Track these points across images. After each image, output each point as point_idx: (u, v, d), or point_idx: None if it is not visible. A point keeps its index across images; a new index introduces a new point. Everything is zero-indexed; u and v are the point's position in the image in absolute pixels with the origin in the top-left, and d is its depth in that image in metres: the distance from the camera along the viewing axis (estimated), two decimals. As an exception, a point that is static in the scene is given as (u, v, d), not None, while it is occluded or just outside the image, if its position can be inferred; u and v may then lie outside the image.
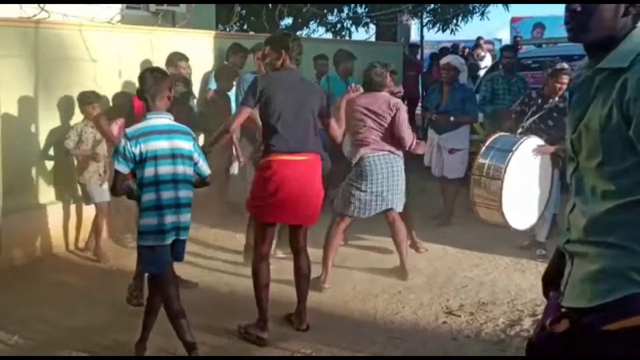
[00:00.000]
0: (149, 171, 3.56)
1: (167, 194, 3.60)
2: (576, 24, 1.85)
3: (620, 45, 1.83)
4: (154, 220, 3.58)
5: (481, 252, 5.94)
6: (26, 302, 4.75)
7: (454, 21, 14.61)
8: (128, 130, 3.65)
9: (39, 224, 5.76)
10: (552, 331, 1.86)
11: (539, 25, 19.06)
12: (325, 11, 13.56)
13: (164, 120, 3.66)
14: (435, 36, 16.28)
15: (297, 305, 4.32)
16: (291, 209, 4.16)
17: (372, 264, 5.60)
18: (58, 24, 6.01)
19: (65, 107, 5.90)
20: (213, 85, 6.95)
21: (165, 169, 3.59)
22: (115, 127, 5.38)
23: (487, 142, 5.38)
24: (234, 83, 6.77)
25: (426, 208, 7.00)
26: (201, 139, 6.10)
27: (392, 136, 5.17)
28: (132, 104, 4.77)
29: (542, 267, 4.06)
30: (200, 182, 3.83)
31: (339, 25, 14.27)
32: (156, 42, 6.72)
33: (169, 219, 3.60)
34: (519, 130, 5.63)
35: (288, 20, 13.33)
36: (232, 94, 6.80)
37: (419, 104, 10.73)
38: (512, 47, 9.13)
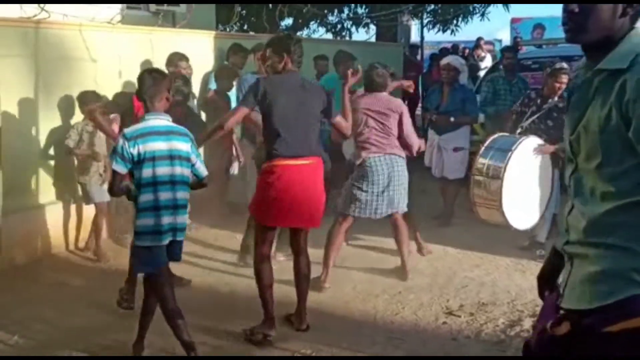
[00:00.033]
0: (147, 172, 3.57)
1: (164, 195, 3.60)
2: (574, 25, 1.85)
3: (618, 46, 1.82)
4: (150, 220, 3.59)
5: (481, 253, 5.94)
6: (26, 302, 4.75)
7: (454, 22, 14.63)
8: (126, 130, 3.66)
9: (39, 223, 5.76)
10: (553, 334, 1.85)
11: (539, 26, 19.07)
12: (325, 11, 13.57)
13: (162, 121, 3.67)
14: (435, 37, 16.31)
15: (297, 305, 4.32)
16: (294, 213, 4.16)
17: (372, 264, 5.60)
18: (58, 24, 6.01)
19: (65, 107, 5.90)
20: (213, 86, 6.95)
21: (163, 170, 3.60)
22: (115, 126, 5.37)
23: (487, 142, 5.39)
24: (234, 83, 6.77)
25: (426, 208, 7.00)
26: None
27: (394, 137, 5.17)
28: (133, 103, 4.77)
29: (542, 267, 4.05)
30: (198, 183, 3.84)
31: (339, 26, 14.28)
32: (156, 42, 6.72)
33: (167, 219, 3.60)
34: (518, 130, 5.63)
35: (288, 21, 13.34)
36: (232, 94, 6.79)
37: (419, 105, 10.74)
38: (513, 48, 9.15)
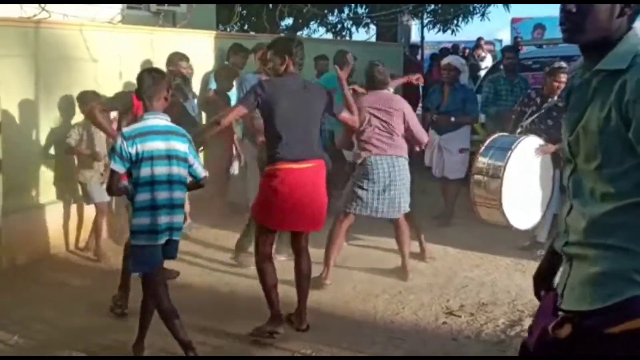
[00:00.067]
0: (145, 171, 3.58)
1: (162, 195, 3.61)
2: (571, 25, 1.84)
3: (617, 46, 1.81)
4: (147, 220, 3.60)
5: (482, 253, 5.93)
6: (26, 302, 4.75)
7: (455, 22, 14.63)
8: (125, 130, 3.67)
9: (40, 223, 5.76)
10: (556, 336, 1.84)
11: (539, 26, 19.05)
12: (325, 11, 13.57)
13: (160, 121, 3.67)
14: (435, 37, 16.31)
15: (297, 305, 4.32)
16: (297, 217, 4.17)
17: (372, 264, 5.60)
18: (59, 24, 6.01)
19: (65, 107, 5.90)
20: (213, 86, 6.95)
21: (161, 170, 3.61)
22: (115, 125, 5.37)
23: (487, 142, 5.39)
24: (234, 83, 6.77)
25: (427, 209, 6.99)
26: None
27: (398, 136, 5.18)
28: (133, 102, 4.76)
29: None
30: (195, 184, 3.85)
31: (339, 26, 14.29)
32: (157, 42, 6.72)
33: (164, 219, 3.61)
34: (519, 130, 5.63)
35: (289, 21, 13.35)
36: (232, 94, 6.80)
37: (419, 105, 10.74)
38: (514, 48, 9.13)
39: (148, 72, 3.80)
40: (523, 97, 6.20)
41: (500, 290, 5.04)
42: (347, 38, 14.08)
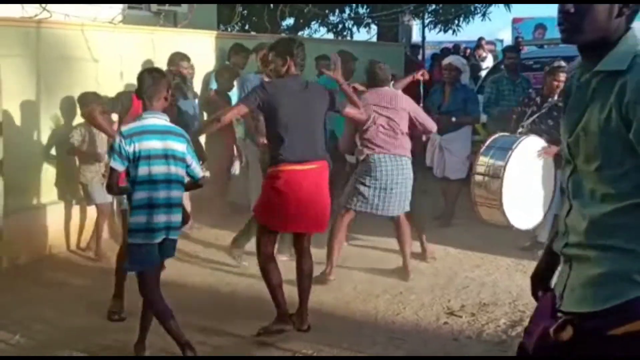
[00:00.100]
0: (142, 170, 3.60)
1: (159, 194, 3.63)
2: (569, 25, 1.83)
3: (616, 47, 1.81)
4: (144, 218, 3.62)
5: (482, 253, 5.93)
6: (27, 302, 4.75)
7: (456, 22, 14.61)
8: (123, 128, 3.70)
9: (41, 224, 5.76)
10: (557, 339, 1.82)
11: (540, 26, 19.01)
12: (326, 11, 13.55)
13: (159, 120, 3.69)
14: (436, 37, 16.27)
15: (298, 305, 4.31)
16: (300, 218, 4.17)
17: (373, 264, 5.59)
18: (60, 23, 6.01)
19: (66, 107, 5.90)
20: (214, 86, 6.95)
21: (158, 169, 3.63)
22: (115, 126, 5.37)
23: (487, 142, 5.39)
24: (235, 83, 6.77)
25: (428, 209, 6.99)
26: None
27: (402, 135, 5.20)
28: (132, 102, 4.76)
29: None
30: (193, 184, 3.86)
31: (340, 26, 14.27)
32: (158, 42, 6.72)
33: (161, 218, 3.63)
34: (520, 130, 5.63)
35: (290, 21, 13.33)
36: (233, 94, 6.79)
37: (420, 105, 10.72)
38: (515, 48, 9.11)
39: (148, 72, 3.82)
40: (524, 97, 6.20)
41: (501, 291, 5.04)
42: (348, 38, 14.06)
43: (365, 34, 14.28)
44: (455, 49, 14.26)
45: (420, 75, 6.38)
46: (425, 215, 6.24)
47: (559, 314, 1.88)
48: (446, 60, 7.14)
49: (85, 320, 4.43)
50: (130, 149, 3.56)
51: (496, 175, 5.18)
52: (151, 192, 3.61)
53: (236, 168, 6.85)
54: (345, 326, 4.38)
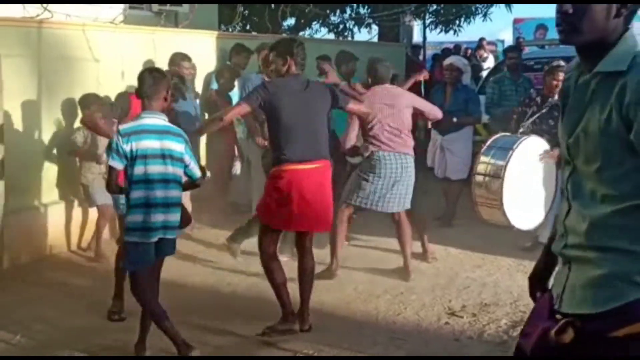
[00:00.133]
0: (138, 169, 3.62)
1: (156, 193, 3.64)
2: (568, 26, 1.82)
3: (615, 47, 1.80)
4: (140, 217, 3.63)
5: (483, 253, 5.93)
6: (28, 302, 4.75)
7: (457, 22, 14.61)
8: (121, 127, 3.71)
9: (42, 224, 5.77)
10: (559, 342, 1.81)
11: (541, 27, 18.99)
12: (327, 12, 13.55)
13: (157, 120, 3.70)
14: (437, 37, 16.27)
15: (300, 305, 4.30)
16: (303, 217, 4.16)
17: (373, 264, 5.59)
18: (61, 24, 6.02)
19: (67, 107, 5.90)
20: (215, 86, 6.95)
21: (155, 168, 3.64)
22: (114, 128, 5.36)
23: (488, 142, 5.38)
24: (235, 83, 6.77)
25: (429, 209, 6.98)
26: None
27: (405, 132, 5.22)
28: (130, 104, 4.76)
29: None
30: (191, 184, 3.87)
31: (341, 26, 14.27)
32: (159, 43, 6.72)
33: (158, 217, 3.65)
34: (521, 130, 5.62)
35: (291, 21, 13.32)
36: (234, 94, 6.79)
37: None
38: (517, 48, 9.11)
39: (149, 72, 3.84)
40: (524, 97, 6.19)
41: (503, 291, 5.04)
42: (349, 38, 14.07)
43: (366, 34, 14.32)
44: (456, 49, 14.26)
45: (421, 77, 6.39)
46: (426, 215, 6.23)
47: (558, 316, 1.87)
48: (447, 61, 7.13)
49: (85, 320, 4.43)
50: (127, 147, 3.58)
51: (497, 175, 5.17)
52: (148, 191, 3.63)
53: (237, 168, 6.85)
54: (346, 326, 4.38)
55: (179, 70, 6.10)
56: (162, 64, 5.96)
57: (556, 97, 5.67)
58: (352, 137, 5.30)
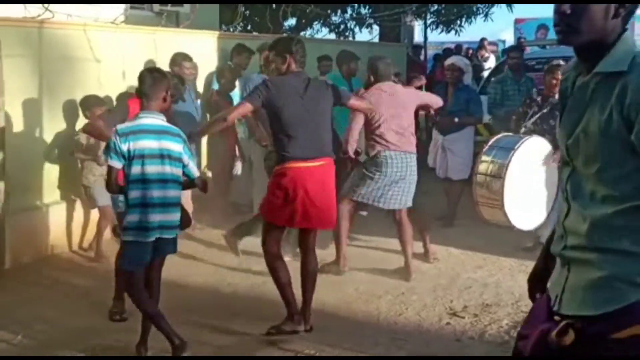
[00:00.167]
0: (135, 169, 3.63)
1: (153, 193, 3.65)
2: (566, 27, 1.82)
3: (614, 48, 1.79)
4: (137, 217, 3.65)
5: (485, 254, 5.92)
6: (30, 302, 4.75)
7: (458, 22, 14.62)
8: (119, 127, 3.71)
9: (44, 224, 5.76)
10: (560, 343, 1.80)
11: (542, 27, 18.99)
12: (328, 12, 13.56)
13: (155, 120, 3.71)
14: (438, 37, 16.29)
15: (302, 305, 4.29)
16: (307, 214, 4.15)
17: (374, 264, 5.58)
18: (62, 24, 6.02)
19: (69, 107, 5.90)
20: (216, 86, 6.95)
21: (152, 168, 3.65)
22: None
23: (490, 142, 5.39)
24: (236, 84, 6.77)
25: (430, 209, 6.98)
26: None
27: (409, 130, 5.26)
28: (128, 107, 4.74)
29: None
30: (189, 183, 3.87)
31: (342, 26, 14.28)
32: (160, 43, 6.72)
33: (155, 217, 3.65)
34: (522, 130, 5.63)
35: (292, 21, 13.33)
36: (235, 94, 6.79)
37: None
38: (518, 48, 9.10)
39: (149, 72, 3.86)
40: (525, 98, 6.19)
41: (504, 292, 5.03)
42: (350, 38, 14.07)
43: (368, 35, 14.33)
44: (458, 49, 14.26)
45: (419, 83, 6.44)
46: (427, 215, 6.23)
47: (556, 317, 1.86)
48: (449, 61, 7.13)
49: (87, 320, 4.43)
50: (125, 147, 3.59)
51: (498, 175, 5.17)
52: (144, 191, 3.64)
53: (238, 168, 6.84)
54: (348, 327, 4.38)
55: (180, 71, 6.10)
56: (164, 64, 5.96)
57: (557, 96, 5.66)
58: (355, 134, 5.27)
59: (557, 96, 5.63)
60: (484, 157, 5.29)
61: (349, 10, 14.31)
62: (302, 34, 13.25)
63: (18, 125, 5.53)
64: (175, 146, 3.72)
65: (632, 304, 1.73)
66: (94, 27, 6.20)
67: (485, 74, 11.46)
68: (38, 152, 5.76)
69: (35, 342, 4.16)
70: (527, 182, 5.32)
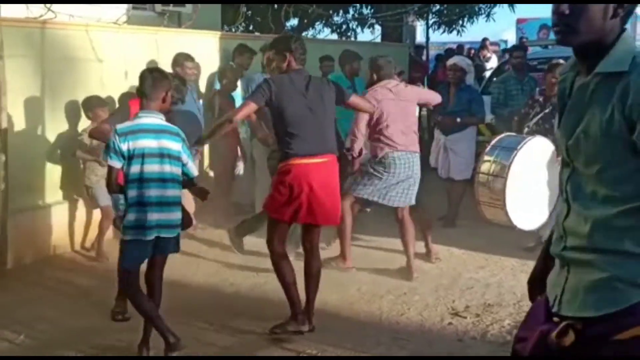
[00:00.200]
0: (134, 168, 3.64)
1: (151, 192, 3.67)
2: (564, 27, 1.81)
3: (614, 48, 1.79)
4: (134, 216, 3.67)
5: (487, 254, 5.92)
6: (32, 302, 4.76)
7: (460, 22, 14.60)
8: (118, 126, 3.72)
9: (46, 224, 5.77)
10: (560, 344, 1.80)
11: (544, 27, 18.96)
12: (330, 12, 13.55)
13: (154, 119, 3.73)
14: (440, 37, 16.28)
15: (305, 305, 4.28)
16: (311, 210, 4.16)
17: (376, 264, 5.58)
18: (64, 24, 6.03)
19: (71, 108, 5.91)
20: (218, 86, 6.95)
21: (152, 167, 3.66)
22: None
23: (493, 142, 5.38)
24: (238, 84, 6.77)
25: (432, 209, 6.98)
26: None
27: (413, 129, 5.29)
28: (129, 109, 4.75)
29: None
30: (189, 182, 3.88)
31: (344, 26, 14.28)
32: (162, 43, 6.72)
33: (153, 216, 3.67)
34: (525, 130, 5.62)
35: (294, 21, 13.33)
36: (237, 94, 6.79)
37: (424, 108, 10.72)
38: (521, 47, 9.08)
39: (150, 72, 3.88)
40: (528, 99, 6.19)
41: (506, 291, 5.03)
42: (352, 39, 14.07)
43: (369, 35, 14.31)
44: (459, 49, 14.25)
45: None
46: (429, 215, 6.23)
47: (555, 318, 1.86)
48: (451, 61, 7.12)
49: (89, 320, 4.44)
50: (124, 146, 3.61)
51: (500, 175, 5.16)
52: (142, 190, 3.65)
53: (240, 168, 6.84)
54: (350, 326, 4.38)
55: (182, 71, 6.10)
56: (166, 65, 5.96)
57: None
58: (362, 128, 5.26)
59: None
60: (486, 157, 5.28)
61: (351, 11, 14.31)
62: (304, 34, 13.24)
63: (20, 126, 5.54)
64: (174, 145, 3.74)
65: (634, 305, 1.73)
66: (96, 27, 6.21)
67: (487, 74, 11.45)
68: (40, 152, 5.77)
69: (37, 342, 4.17)
70: (529, 182, 5.31)
